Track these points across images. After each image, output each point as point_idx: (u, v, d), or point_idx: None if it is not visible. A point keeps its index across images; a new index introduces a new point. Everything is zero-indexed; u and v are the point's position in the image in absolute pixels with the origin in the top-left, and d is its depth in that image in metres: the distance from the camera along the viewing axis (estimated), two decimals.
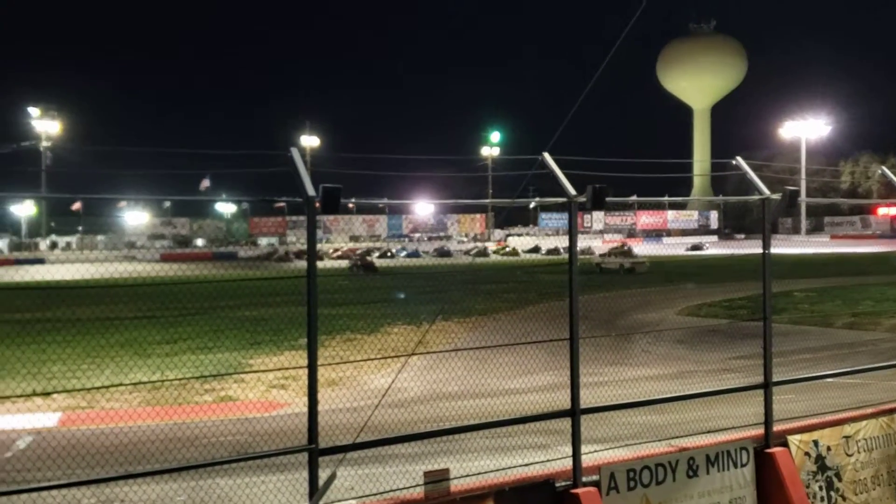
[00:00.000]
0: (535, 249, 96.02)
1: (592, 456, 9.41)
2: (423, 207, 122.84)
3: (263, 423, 16.51)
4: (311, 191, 7.50)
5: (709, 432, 10.45)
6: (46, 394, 18.47)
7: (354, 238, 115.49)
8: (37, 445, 14.91)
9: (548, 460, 9.89)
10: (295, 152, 7.82)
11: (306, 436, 7.65)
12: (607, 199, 8.79)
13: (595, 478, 8.90)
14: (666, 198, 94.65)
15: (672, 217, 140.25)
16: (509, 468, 9.45)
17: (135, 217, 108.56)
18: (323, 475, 7.51)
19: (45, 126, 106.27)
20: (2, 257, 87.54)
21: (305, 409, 7.79)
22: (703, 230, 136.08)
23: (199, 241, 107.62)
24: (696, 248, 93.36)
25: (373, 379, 20.79)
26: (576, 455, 8.86)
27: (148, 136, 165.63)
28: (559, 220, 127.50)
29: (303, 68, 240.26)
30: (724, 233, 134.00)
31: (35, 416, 17.33)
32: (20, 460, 14.14)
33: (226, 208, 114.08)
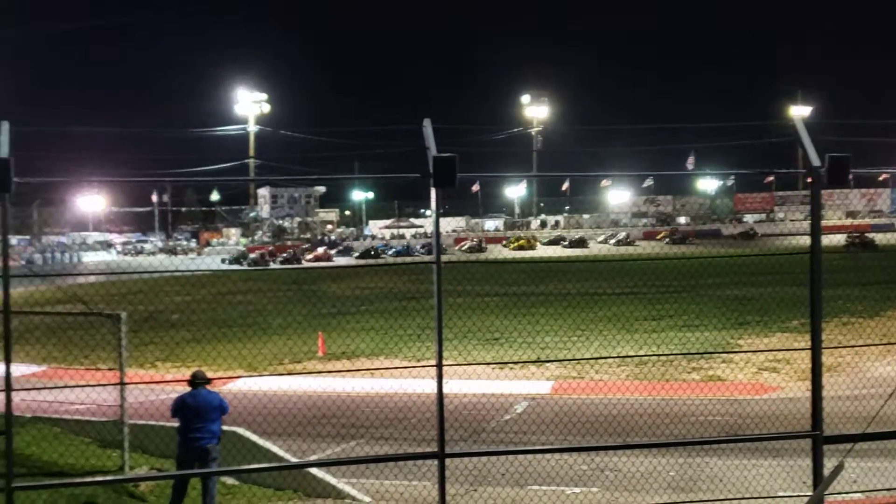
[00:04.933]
0: None
1: None
2: None
3: (753, 406, 15.91)
4: (816, 160, 6.90)
5: None
6: (540, 362, 19.76)
7: (851, 214, 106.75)
8: (532, 410, 15.96)
9: None
10: (798, 120, 7.27)
11: (801, 422, 7.13)
12: None
13: None
14: None
15: None
16: None
17: (617, 196, 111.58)
18: (827, 464, 6.95)
19: (535, 111, 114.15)
20: (498, 235, 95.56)
21: (799, 394, 7.30)
22: None
23: (682, 219, 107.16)
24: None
25: (875, 366, 19.02)
26: None
27: (630, 113, 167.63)
28: None
29: (788, 36, 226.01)
30: None
31: (530, 383, 18.50)
32: (518, 423, 15.26)
33: (709, 185, 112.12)
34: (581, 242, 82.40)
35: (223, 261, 67.81)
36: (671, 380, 18.47)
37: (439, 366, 6.25)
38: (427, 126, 6.39)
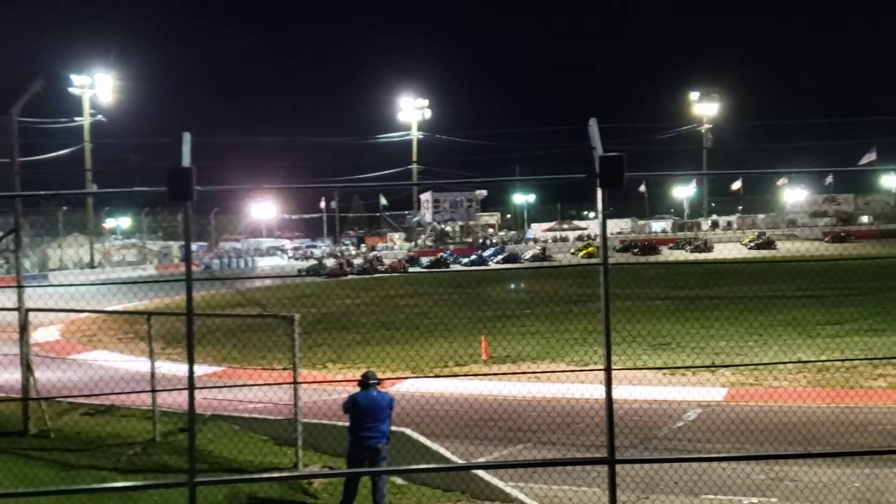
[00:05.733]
0: None
1: None
2: None
3: None
4: None
5: None
6: (714, 367, 19.03)
7: None
8: (705, 417, 15.39)
9: None
10: None
11: None
12: None
13: None
14: None
15: None
16: None
17: (795, 194, 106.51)
18: None
19: (705, 108, 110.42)
20: (666, 237, 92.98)
21: None
22: None
23: (864, 218, 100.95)
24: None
25: None
26: None
27: (808, 108, 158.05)
28: None
29: None
30: None
31: (702, 390, 17.80)
32: (690, 430, 14.74)
33: (893, 182, 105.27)
34: (653, 249, 78.25)
35: (299, 272, 64.26)
36: (855, 387, 17.37)
37: (608, 369, 6.09)
38: (593, 125, 6.25)
